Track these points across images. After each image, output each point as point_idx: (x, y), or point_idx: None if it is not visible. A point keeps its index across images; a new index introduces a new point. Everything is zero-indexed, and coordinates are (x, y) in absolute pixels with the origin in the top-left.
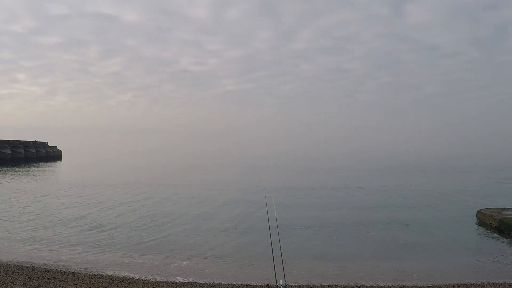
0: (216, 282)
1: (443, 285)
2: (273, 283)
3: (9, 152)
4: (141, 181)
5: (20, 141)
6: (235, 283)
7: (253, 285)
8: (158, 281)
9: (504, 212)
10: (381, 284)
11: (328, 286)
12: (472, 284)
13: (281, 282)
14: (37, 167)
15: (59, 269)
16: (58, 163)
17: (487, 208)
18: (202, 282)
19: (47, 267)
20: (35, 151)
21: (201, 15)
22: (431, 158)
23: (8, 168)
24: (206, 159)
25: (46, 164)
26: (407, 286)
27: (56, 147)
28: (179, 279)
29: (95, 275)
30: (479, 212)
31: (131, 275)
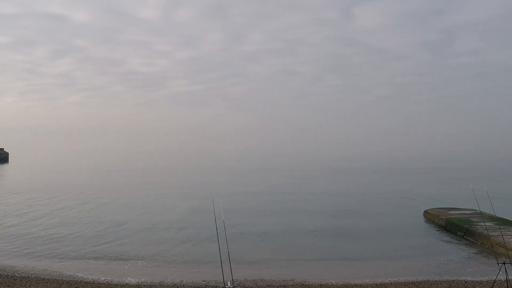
0: (165, 284)
1: (392, 283)
2: (221, 285)
3: None
4: (91, 184)
5: None
6: (184, 284)
7: (201, 286)
8: (107, 283)
9: (451, 212)
10: (332, 282)
11: (276, 286)
12: (421, 282)
13: (229, 284)
14: None
15: (5, 274)
16: (5, 166)
17: (434, 208)
18: (151, 283)
19: None
20: None
21: (151, 16)
22: (381, 160)
23: None
24: (155, 160)
25: None
26: (357, 285)
27: (3, 149)
28: (130, 280)
29: (42, 279)
30: (426, 212)
31: (79, 278)
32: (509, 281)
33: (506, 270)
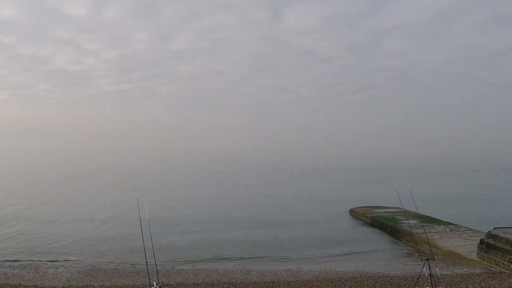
0: (93, 286)
1: (319, 280)
2: (147, 286)
3: None
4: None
5: None
6: (109, 284)
7: (128, 285)
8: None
9: (376, 210)
10: (253, 279)
11: (202, 283)
12: (348, 278)
13: (155, 284)
14: None
15: None
16: None
17: (359, 207)
18: (77, 284)
19: None
20: None
21: (79, 13)
22: (308, 160)
23: None
24: (79, 161)
25: None
26: (283, 282)
27: None
28: (57, 283)
29: None
30: (352, 210)
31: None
32: (433, 276)
33: (429, 266)
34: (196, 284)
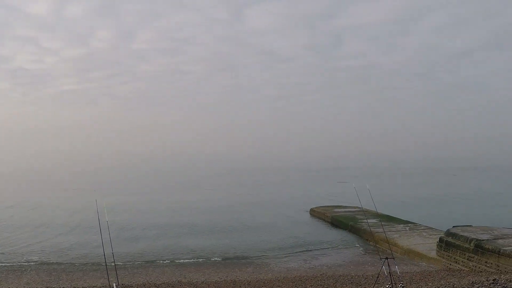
0: (51, 286)
1: (279, 279)
2: (107, 286)
3: None
4: None
5: None
6: (69, 286)
7: (88, 287)
8: None
9: (336, 210)
10: (214, 279)
11: (162, 283)
12: (308, 277)
13: (114, 285)
14: None
15: None
16: None
17: (319, 206)
18: (37, 287)
19: None
20: None
21: (40, 11)
22: (269, 160)
23: None
24: (34, 161)
25: None
26: (240, 280)
27: None
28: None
29: None
30: (312, 210)
31: None
32: (392, 274)
33: (388, 265)
34: (157, 285)
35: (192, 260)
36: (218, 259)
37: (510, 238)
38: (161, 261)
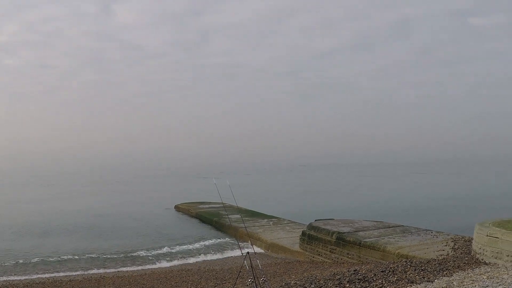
0: None
1: (142, 275)
2: None
3: None
4: None
5: None
6: None
7: None
8: None
9: (201, 206)
10: (79, 279)
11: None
12: (173, 270)
13: None
14: None
15: None
16: None
17: (184, 203)
18: None
19: None
20: None
21: None
22: (132, 159)
23: None
24: None
25: None
26: (106, 279)
27: None
28: None
29: None
30: (176, 206)
31: None
32: (254, 268)
33: (250, 259)
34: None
35: (54, 260)
36: (83, 259)
37: (371, 230)
38: (25, 260)
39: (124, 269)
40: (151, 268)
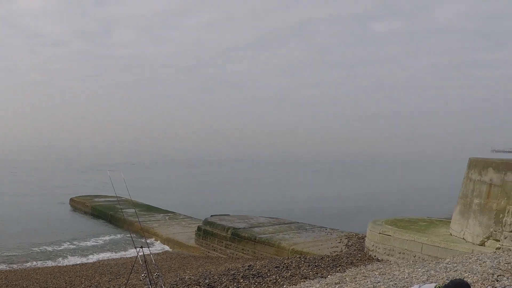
0: None
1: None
2: None
3: None
4: None
5: None
6: None
7: None
8: None
9: (96, 199)
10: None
11: None
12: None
13: None
14: None
15: None
16: None
17: (79, 196)
18: None
19: None
20: None
21: None
22: (20, 151)
23: None
24: None
25: None
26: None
27: None
28: None
29: None
30: (72, 199)
31: None
32: (148, 263)
33: (143, 253)
34: None
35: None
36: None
37: (266, 226)
38: None
39: (14, 266)
40: (42, 264)
